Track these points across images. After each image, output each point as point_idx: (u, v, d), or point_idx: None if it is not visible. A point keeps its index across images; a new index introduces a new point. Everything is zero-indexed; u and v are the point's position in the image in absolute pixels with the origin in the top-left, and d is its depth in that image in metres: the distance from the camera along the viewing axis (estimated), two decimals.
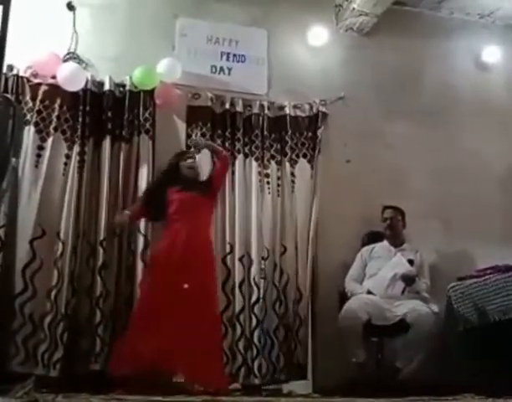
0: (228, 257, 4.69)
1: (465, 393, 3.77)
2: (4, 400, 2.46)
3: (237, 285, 4.63)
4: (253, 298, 4.64)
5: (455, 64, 5.75)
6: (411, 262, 4.49)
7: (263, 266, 4.71)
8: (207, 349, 3.85)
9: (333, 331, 4.47)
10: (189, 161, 4.31)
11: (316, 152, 5.06)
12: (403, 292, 4.43)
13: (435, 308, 4.36)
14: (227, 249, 4.70)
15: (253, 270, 4.69)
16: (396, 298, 4.40)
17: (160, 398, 3.18)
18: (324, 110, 5.16)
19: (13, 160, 3.46)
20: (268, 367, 4.56)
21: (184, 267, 3.92)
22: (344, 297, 4.59)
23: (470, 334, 4.33)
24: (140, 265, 4.42)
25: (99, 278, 4.33)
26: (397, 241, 4.79)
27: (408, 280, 4.42)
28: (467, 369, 4.17)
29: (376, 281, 4.51)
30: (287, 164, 5.02)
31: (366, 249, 4.81)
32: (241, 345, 4.52)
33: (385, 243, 4.81)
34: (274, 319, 4.69)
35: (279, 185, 4.97)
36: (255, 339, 4.56)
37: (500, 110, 5.65)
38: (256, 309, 4.62)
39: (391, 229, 4.79)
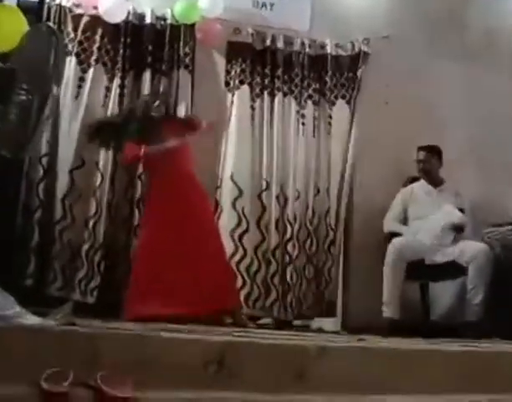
0: (264, 194, 4.70)
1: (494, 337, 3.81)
2: (43, 322, 2.54)
3: (273, 221, 4.65)
4: (287, 236, 4.67)
5: (505, 7, 5.55)
6: (461, 211, 4.42)
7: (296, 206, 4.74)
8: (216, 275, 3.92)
9: (367, 271, 4.51)
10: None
11: (355, 92, 4.98)
12: (453, 241, 4.37)
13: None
14: (264, 185, 4.71)
15: (288, 208, 4.71)
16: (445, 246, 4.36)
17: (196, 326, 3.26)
18: (366, 49, 5.03)
19: (55, 88, 3.48)
20: (298, 303, 4.62)
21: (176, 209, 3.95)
22: (387, 237, 4.54)
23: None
24: None
25: (136, 209, 4.40)
26: (435, 181, 4.68)
27: (460, 229, 4.35)
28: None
29: (426, 230, 4.42)
30: (326, 105, 4.96)
31: (404, 190, 4.73)
32: (276, 280, 4.58)
33: (423, 182, 4.71)
34: (304, 258, 4.72)
35: (315, 126, 4.92)
36: (288, 276, 4.60)
37: None
38: (289, 247, 4.65)
39: (424, 171, 4.69)
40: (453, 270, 4.30)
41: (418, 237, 4.41)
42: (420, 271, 4.36)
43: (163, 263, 3.83)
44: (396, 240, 4.37)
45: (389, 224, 4.63)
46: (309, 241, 4.76)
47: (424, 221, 4.46)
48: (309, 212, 4.79)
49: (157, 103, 4.19)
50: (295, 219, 4.71)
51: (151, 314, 3.53)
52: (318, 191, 4.86)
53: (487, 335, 3.81)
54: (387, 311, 4.24)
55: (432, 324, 4.42)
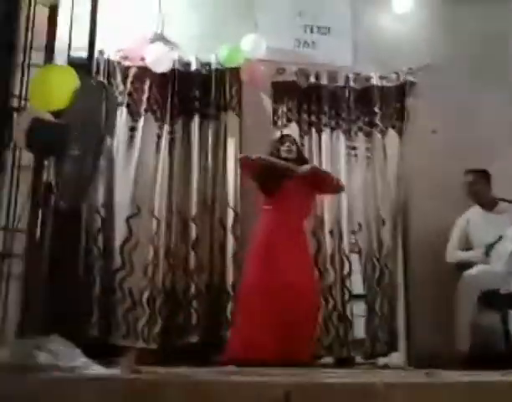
0: (318, 231, 4.68)
1: None
2: (108, 371, 2.55)
3: (328, 258, 4.63)
4: (345, 271, 4.63)
5: None
6: None
7: (353, 241, 4.70)
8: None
9: (429, 301, 4.44)
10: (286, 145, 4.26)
11: (405, 122, 4.97)
12: None
13: None
14: (317, 222, 4.69)
15: (344, 243, 4.68)
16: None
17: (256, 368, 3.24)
18: (411, 78, 5.04)
19: (108, 140, 3.58)
20: (363, 340, 4.57)
21: (282, 255, 3.95)
22: (454, 268, 4.48)
23: None
24: (230, 240, 4.50)
25: (192, 253, 4.45)
26: (487, 204, 4.61)
27: None
28: None
29: (495, 255, 4.34)
30: (378, 136, 4.94)
31: (461, 219, 4.67)
32: (334, 318, 4.53)
33: (476, 208, 4.65)
34: (375, 292, 4.70)
35: (368, 157, 4.92)
36: (347, 312, 4.56)
37: None
38: (348, 282, 4.62)
39: (473, 193, 4.65)
40: None
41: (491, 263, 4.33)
42: (497, 300, 4.23)
43: (263, 306, 3.83)
44: (468, 272, 4.30)
45: (452, 254, 4.57)
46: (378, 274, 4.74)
47: (494, 249, 4.37)
48: (375, 243, 4.77)
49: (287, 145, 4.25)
50: (360, 251, 4.74)
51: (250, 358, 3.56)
52: (383, 222, 4.81)
53: None
54: (461, 345, 4.16)
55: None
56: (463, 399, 2.37)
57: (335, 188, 4.34)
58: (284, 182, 4.11)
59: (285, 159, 4.17)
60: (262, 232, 4.08)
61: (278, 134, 4.64)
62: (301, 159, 4.27)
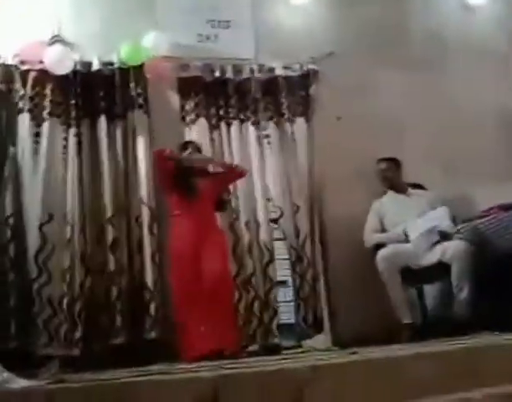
0: (236, 223, 4.71)
1: (482, 330, 3.87)
2: (32, 383, 2.50)
3: (245, 249, 4.67)
4: (265, 261, 4.69)
5: (441, 9, 5.71)
6: (454, 221, 4.53)
7: (276, 226, 4.79)
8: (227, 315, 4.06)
9: (348, 283, 4.59)
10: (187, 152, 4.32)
11: (310, 109, 5.07)
12: (434, 245, 4.44)
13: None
14: (233, 216, 4.72)
15: (262, 233, 4.73)
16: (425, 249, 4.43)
17: (184, 365, 3.26)
18: (314, 67, 5.13)
19: (11, 149, 3.47)
20: (289, 325, 4.68)
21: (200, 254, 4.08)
22: (373, 250, 4.59)
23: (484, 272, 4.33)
24: (147, 238, 4.46)
25: (111, 255, 4.38)
26: (400, 189, 4.84)
27: (445, 236, 4.43)
28: (483, 306, 4.22)
29: (413, 226, 4.52)
30: (286, 124, 5.01)
31: (376, 203, 4.84)
32: (256, 307, 4.58)
33: (390, 193, 4.86)
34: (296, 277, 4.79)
35: (281, 146, 4.97)
36: (271, 299, 4.62)
37: (491, 50, 5.62)
38: (270, 271, 4.68)
39: (387, 179, 4.86)
40: (441, 270, 4.36)
41: (406, 230, 4.51)
42: (411, 276, 4.43)
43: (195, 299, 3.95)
44: (381, 252, 4.44)
45: (370, 237, 4.70)
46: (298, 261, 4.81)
47: (414, 221, 4.56)
48: (292, 230, 4.83)
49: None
50: (285, 238, 4.82)
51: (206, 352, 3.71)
52: (298, 208, 4.88)
53: (476, 329, 3.88)
54: (403, 318, 4.31)
55: (429, 326, 4.45)
56: (384, 375, 2.48)
57: (240, 174, 4.51)
58: (198, 182, 4.21)
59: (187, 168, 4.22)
60: (180, 239, 4.13)
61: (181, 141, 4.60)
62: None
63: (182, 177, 4.17)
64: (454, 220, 4.57)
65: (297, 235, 4.83)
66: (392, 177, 4.86)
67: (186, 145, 4.39)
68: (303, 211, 4.88)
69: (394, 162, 4.88)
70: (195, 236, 4.09)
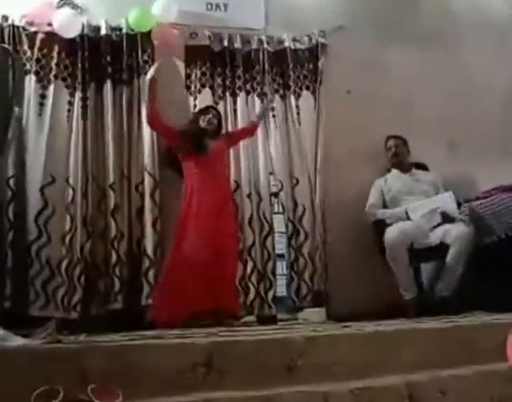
0: (236, 194, 4.71)
1: (474, 310, 3.90)
2: (28, 342, 2.53)
3: (246, 220, 4.68)
4: (264, 233, 4.70)
5: None
6: (459, 205, 4.52)
7: (276, 200, 4.82)
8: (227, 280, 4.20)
9: (347, 259, 4.61)
10: (208, 116, 4.44)
11: (318, 83, 5.03)
12: (435, 227, 4.42)
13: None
14: (233, 186, 4.71)
15: (262, 205, 4.74)
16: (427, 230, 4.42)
17: (179, 331, 3.29)
18: (323, 41, 5.09)
19: (16, 110, 3.46)
20: (284, 297, 4.69)
21: (210, 220, 4.15)
22: (379, 225, 4.59)
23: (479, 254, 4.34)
24: (149, 206, 4.47)
25: (112, 220, 4.40)
26: (405, 167, 4.85)
27: (448, 219, 4.42)
28: (477, 287, 4.23)
29: (416, 206, 4.52)
30: (292, 97, 4.98)
31: (379, 180, 4.84)
32: (253, 278, 4.60)
33: (394, 171, 4.86)
34: (291, 250, 4.79)
35: (285, 119, 4.95)
36: (268, 272, 4.64)
37: (501, 27, 5.60)
38: (268, 243, 4.69)
39: (397, 156, 4.86)
40: (442, 250, 4.33)
41: (408, 210, 4.50)
42: (414, 255, 4.41)
43: (189, 271, 4.03)
44: (391, 229, 4.41)
45: (372, 211, 4.70)
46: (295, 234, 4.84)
47: (418, 201, 4.56)
48: (291, 203, 4.85)
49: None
50: (284, 211, 4.83)
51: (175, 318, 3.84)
52: (297, 181, 4.89)
53: (469, 309, 3.91)
54: (407, 294, 4.32)
55: (424, 303, 4.46)
56: (375, 347, 2.50)
57: (252, 130, 4.70)
58: (205, 141, 4.32)
59: (203, 129, 4.37)
60: (190, 194, 4.22)
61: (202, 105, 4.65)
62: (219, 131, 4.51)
63: (193, 136, 4.30)
64: (459, 204, 4.55)
65: (295, 209, 4.84)
66: (401, 154, 4.86)
67: (207, 109, 4.50)
68: (303, 185, 4.88)
69: (402, 140, 4.89)
70: (206, 193, 4.19)
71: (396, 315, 3.89)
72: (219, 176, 4.39)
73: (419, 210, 4.48)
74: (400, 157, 4.86)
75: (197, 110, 4.66)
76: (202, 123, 4.40)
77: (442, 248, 4.32)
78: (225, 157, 4.57)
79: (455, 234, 4.26)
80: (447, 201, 4.50)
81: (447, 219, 4.42)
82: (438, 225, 4.41)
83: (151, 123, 4.38)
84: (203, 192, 4.19)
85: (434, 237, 4.39)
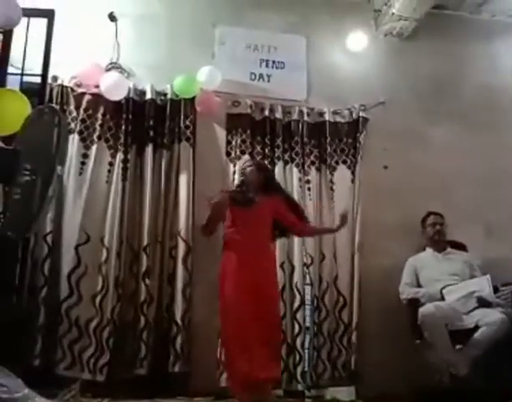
0: None
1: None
2: None
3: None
4: (296, 305, 4.64)
5: (496, 67, 5.68)
6: (496, 290, 4.41)
7: (306, 272, 4.72)
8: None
9: (376, 337, 4.50)
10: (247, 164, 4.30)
11: (358, 157, 5.04)
12: (472, 310, 4.31)
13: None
14: None
15: (295, 276, 4.69)
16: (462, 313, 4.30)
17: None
18: (364, 115, 5.13)
19: (59, 168, 3.52)
20: (311, 373, 4.55)
21: (254, 280, 3.85)
22: (413, 305, 4.47)
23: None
24: (180, 271, 4.46)
25: (142, 284, 4.40)
26: (442, 247, 4.79)
27: (484, 304, 4.30)
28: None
29: (452, 289, 4.43)
30: (327, 171, 5.00)
31: (413, 258, 4.78)
32: (283, 351, 4.49)
33: (429, 251, 4.81)
34: (315, 326, 4.68)
35: (318, 192, 4.95)
36: (298, 345, 4.55)
37: None
38: (298, 315, 4.62)
39: (439, 234, 4.81)
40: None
41: (444, 293, 4.40)
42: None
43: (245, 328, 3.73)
44: (425, 308, 4.28)
45: (406, 290, 4.61)
46: (318, 309, 4.73)
47: (454, 285, 4.47)
48: (317, 278, 4.77)
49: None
50: (312, 284, 4.72)
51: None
52: (323, 257, 4.84)
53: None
54: (457, 371, 4.12)
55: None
56: None
57: (298, 231, 4.37)
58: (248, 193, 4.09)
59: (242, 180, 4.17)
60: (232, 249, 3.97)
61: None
62: (266, 182, 4.21)
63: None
64: (496, 289, 4.43)
65: (319, 285, 4.78)
66: (441, 231, 4.82)
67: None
68: (328, 260, 4.84)
69: (442, 217, 4.85)
70: (246, 244, 3.93)
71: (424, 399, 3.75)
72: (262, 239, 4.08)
73: (455, 293, 4.38)
74: (441, 236, 4.82)
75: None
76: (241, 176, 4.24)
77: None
78: (269, 215, 4.11)
79: (489, 320, 4.13)
80: (484, 285, 4.39)
81: (483, 303, 4.30)
82: (474, 309, 4.29)
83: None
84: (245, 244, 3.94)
85: (469, 320, 4.26)
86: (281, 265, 4.67)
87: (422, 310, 4.29)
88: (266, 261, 4.03)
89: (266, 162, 4.88)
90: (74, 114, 4.63)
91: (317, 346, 4.65)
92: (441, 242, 4.81)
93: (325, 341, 4.69)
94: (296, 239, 4.74)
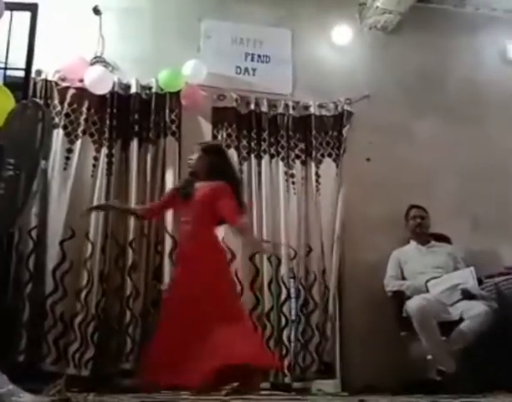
0: (257, 256, 4.68)
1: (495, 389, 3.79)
2: (36, 399, 2.49)
3: (265, 284, 4.64)
4: (282, 297, 4.65)
5: (481, 60, 5.70)
6: (480, 282, 4.44)
7: (291, 266, 4.72)
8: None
9: (362, 329, 4.52)
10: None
11: (341, 151, 5.05)
12: (456, 302, 4.34)
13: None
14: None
15: (282, 269, 4.69)
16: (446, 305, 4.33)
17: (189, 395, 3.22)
18: (349, 108, 5.14)
19: (43, 162, 3.50)
20: (297, 366, 4.56)
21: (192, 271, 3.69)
22: (398, 297, 4.52)
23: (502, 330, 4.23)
24: (167, 266, 4.45)
25: (128, 278, 4.38)
26: (425, 240, 4.81)
27: (468, 296, 4.32)
28: (499, 365, 4.12)
29: (436, 282, 4.45)
30: (312, 164, 5.00)
31: (397, 251, 4.80)
32: (271, 344, 4.52)
33: (412, 243, 4.83)
34: (302, 318, 4.69)
35: (303, 185, 4.96)
36: (284, 338, 4.56)
37: None
38: (285, 308, 4.63)
39: (421, 227, 4.82)
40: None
41: (428, 286, 4.43)
42: None
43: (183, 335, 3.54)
44: (413, 300, 4.30)
45: (391, 283, 4.64)
46: (305, 302, 4.74)
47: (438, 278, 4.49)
48: (303, 271, 4.77)
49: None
50: (294, 277, 4.72)
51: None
52: (310, 250, 4.85)
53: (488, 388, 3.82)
54: (445, 367, 4.11)
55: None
56: None
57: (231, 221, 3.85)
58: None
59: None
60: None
61: None
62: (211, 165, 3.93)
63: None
64: (480, 281, 4.47)
65: (306, 277, 4.78)
66: (422, 224, 4.83)
67: None
68: (316, 253, 4.83)
69: (425, 211, 4.87)
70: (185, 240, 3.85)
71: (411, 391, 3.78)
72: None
73: (439, 286, 4.41)
74: (423, 229, 4.84)
75: None
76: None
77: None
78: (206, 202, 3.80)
79: (473, 313, 4.16)
80: (467, 277, 4.41)
81: (467, 295, 4.32)
82: (458, 301, 4.32)
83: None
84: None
85: (455, 312, 4.29)
86: (268, 259, 4.67)
87: (410, 303, 4.31)
88: (201, 251, 3.74)
89: (252, 155, 4.89)
90: (59, 108, 4.59)
91: (303, 339, 4.65)
92: (423, 235, 4.83)
93: (313, 333, 4.69)
94: (283, 233, 4.74)
